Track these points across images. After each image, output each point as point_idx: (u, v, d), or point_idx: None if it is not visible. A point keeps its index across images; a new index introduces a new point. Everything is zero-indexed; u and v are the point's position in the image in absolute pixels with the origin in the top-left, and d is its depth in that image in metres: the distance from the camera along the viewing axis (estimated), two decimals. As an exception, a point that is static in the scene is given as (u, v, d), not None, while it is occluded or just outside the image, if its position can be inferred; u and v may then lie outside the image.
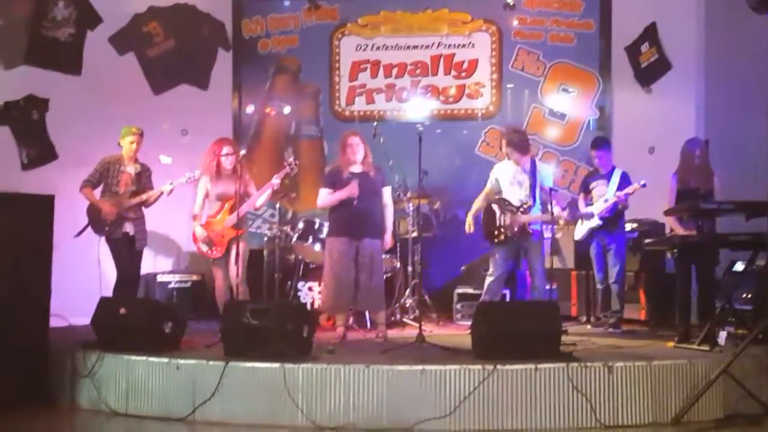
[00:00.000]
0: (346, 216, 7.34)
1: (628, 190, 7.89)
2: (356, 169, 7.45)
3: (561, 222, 7.78)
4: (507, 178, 7.82)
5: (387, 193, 7.61)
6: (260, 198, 7.95)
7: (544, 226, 8.08)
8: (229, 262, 7.76)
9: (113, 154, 8.01)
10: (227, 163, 7.85)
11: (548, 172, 7.97)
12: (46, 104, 9.15)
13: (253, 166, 8.23)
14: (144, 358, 6.25)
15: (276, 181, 7.88)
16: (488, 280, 7.82)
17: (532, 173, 7.73)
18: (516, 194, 7.73)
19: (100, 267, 7.76)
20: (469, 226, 7.83)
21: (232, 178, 7.77)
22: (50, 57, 9.22)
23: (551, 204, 7.48)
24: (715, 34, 9.40)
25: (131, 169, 7.99)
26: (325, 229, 8.40)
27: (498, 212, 7.68)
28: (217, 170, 7.87)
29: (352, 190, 7.27)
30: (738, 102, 8.88)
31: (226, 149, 7.91)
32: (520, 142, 7.81)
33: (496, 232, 7.66)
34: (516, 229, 7.60)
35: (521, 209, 7.63)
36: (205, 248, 7.84)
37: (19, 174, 8.87)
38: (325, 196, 7.48)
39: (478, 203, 7.93)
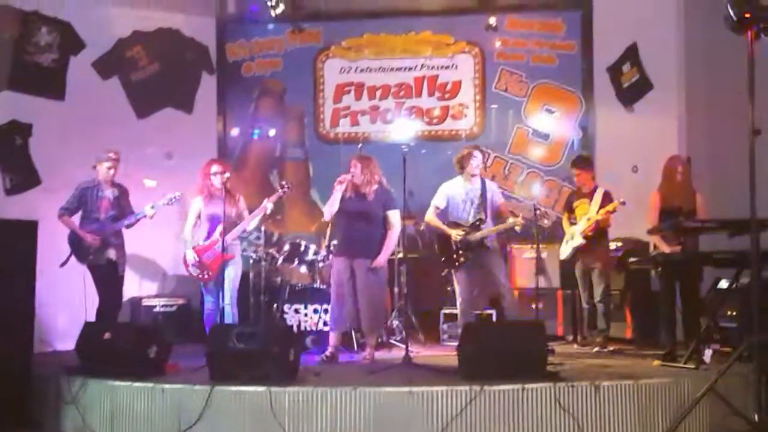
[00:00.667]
0: (342, 236, 7.57)
1: (609, 208, 7.93)
2: (359, 190, 7.54)
3: (517, 229, 7.77)
4: (460, 196, 7.95)
5: (392, 216, 7.58)
6: (252, 222, 7.93)
7: (529, 246, 8.18)
8: (219, 284, 7.71)
9: (88, 180, 7.97)
10: (216, 182, 7.82)
11: (496, 190, 8.12)
12: (29, 129, 9.11)
13: (238, 189, 8.22)
14: (128, 383, 6.21)
15: (269, 204, 7.91)
16: (458, 302, 7.88)
17: (483, 191, 7.87)
18: (470, 212, 7.86)
19: (86, 292, 7.70)
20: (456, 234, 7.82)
21: (224, 200, 7.71)
22: (33, 82, 9.20)
23: (535, 220, 7.57)
24: (695, 53, 9.50)
25: (109, 193, 7.94)
26: (311, 251, 8.45)
27: (452, 236, 7.78)
28: (209, 191, 7.86)
29: (335, 185, 7.44)
30: (719, 121, 8.95)
31: (214, 168, 7.91)
32: (477, 162, 7.94)
33: (455, 256, 7.76)
34: (473, 247, 7.70)
35: (476, 224, 7.73)
36: (195, 272, 7.80)
37: (2, 199, 8.81)
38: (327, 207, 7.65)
39: (435, 221, 8.00)
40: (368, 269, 7.41)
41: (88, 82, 9.64)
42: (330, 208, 7.52)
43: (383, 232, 7.56)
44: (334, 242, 8.13)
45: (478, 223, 7.79)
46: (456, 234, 7.77)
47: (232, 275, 7.79)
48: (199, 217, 7.94)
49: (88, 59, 9.72)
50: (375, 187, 7.52)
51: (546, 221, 7.74)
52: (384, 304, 7.89)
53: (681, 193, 7.40)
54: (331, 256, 7.94)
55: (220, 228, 7.71)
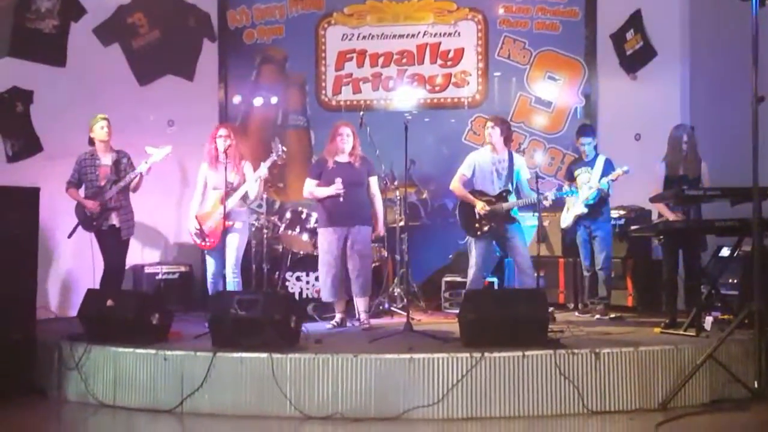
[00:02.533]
0: (331, 206, 7.49)
1: (612, 176, 7.91)
2: (342, 159, 7.59)
3: (547, 203, 7.72)
4: (487, 166, 7.84)
5: (374, 182, 7.72)
6: (251, 189, 7.84)
7: (531, 214, 8.17)
8: (222, 252, 7.71)
9: (86, 151, 7.93)
10: (222, 145, 7.72)
11: (524, 164, 8.01)
12: (30, 96, 9.07)
13: (245, 155, 8.11)
14: (131, 349, 6.27)
15: (264, 170, 7.84)
16: (471, 271, 7.85)
17: (510, 163, 7.81)
18: (495, 182, 7.79)
19: (93, 260, 7.72)
20: (483, 206, 7.71)
21: (229, 167, 7.69)
22: (34, 49, 9.14)
23: (537, 189, 7.52)
24: (700, 20, 9.44)
25: (107, 160, 7.87)
26: (313, 219, 8.43)
27: (478, 206, 7.70)
28: (215, 156, 7.76)
29: (336, 189, 7.41)
30: (722, 88, 8.92)
31: (221, 131, 7.82)
32: (508, 132, 7.90)
33: (477, 225, 7.71)
34: (498, 217, 7.65)
35: (502, 195, 7.68)
36: (198, 240, 7.79)
37: (4, 167, 8.78)
38: (310, 188, 7.67)
39: (461, 189, 7.91)
40: (361, 237, 7.49)
41: (89, 49, 9.58)
42: (312, 195, 7.65)
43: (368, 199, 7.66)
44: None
45: (504, 194, 7.71)
46: (482, 205, 7.70)
47: (236, 243, 7.73)
48: (205, 185, 7.88)
49: (89, 25, 9.65)
50: (359, 153, 7.60)
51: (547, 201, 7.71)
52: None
53: (686, 162, 7.39)
54: (318, 228, 7.82)
55: (219, 194, 7.67)
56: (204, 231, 7.70)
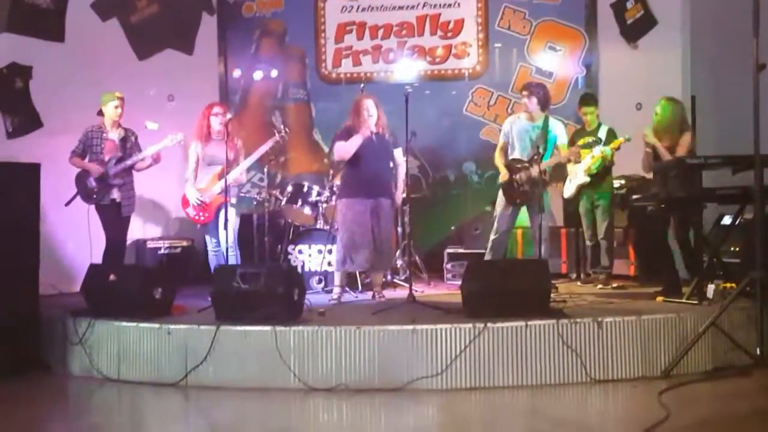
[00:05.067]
0: (360, 176, 7.46)
1: (614, 144, 7.91)
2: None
3: (573, 158, 7.96)
4: (521, 133, 7.93)
5: (398, 153, 7.71)
6: (245, 164, 7.92)
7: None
8: (219, 227, 7.75)
9: (94, 124, 7.94)
10: (216, 123, 7.84)
11: (561, 128, 8.06)
12: (29, 72, 9.02)
13: (240, 131, 8.14)
14: (135, 323, 6.28)
15: (265, 148, 7.96)
16: (493, 237, 7.92)
17: (544, 129, 7.85)
18: (528, 146, 7.85)
19: (90, 235, 7.72)
20: (504, 175, 7.86)
21: (222, 143, 7.72)
22: (32, 24, 9.07)
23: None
24: (701, -12, 9.39)
25: (114, 135, 7.89)
26: (314, 193, 8.44)
27: (515, 175, 7.79)
28: (208, 133, 7.87)
29: (369, 129, 7.36)
30: (722, 57, 8.88)
31: (215, 110, 7.94)
32: (545, 97, 7.97)
33: (517, 194, 7.77)
34: (533, 183, 7.69)
35: (534, 159, 7.68)
36: (193, 213, 7.83)
37: (4, 143, 8.76)
38: (341, 147, 7.45)
39: (500, 160, 8.01)
40: (387, 210, 7.53)
41: (88, 24, 9.52)
42: (345, 152, 7.42)
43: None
44: (337, 183, 8.15)
45: (536, 157, 7.69)
46: (503, 173, 7.84)
47: (233, 219, 7.79)
48: (198, 161, 7.92)
49: (86, 0, 9.59)
50: (385, 124, 7.58)
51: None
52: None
53: (662, 133, 7.33)
54: (340, 198, 7.73)
55: (216, 170, 7.76)
56: (203, 204, 7.75)
